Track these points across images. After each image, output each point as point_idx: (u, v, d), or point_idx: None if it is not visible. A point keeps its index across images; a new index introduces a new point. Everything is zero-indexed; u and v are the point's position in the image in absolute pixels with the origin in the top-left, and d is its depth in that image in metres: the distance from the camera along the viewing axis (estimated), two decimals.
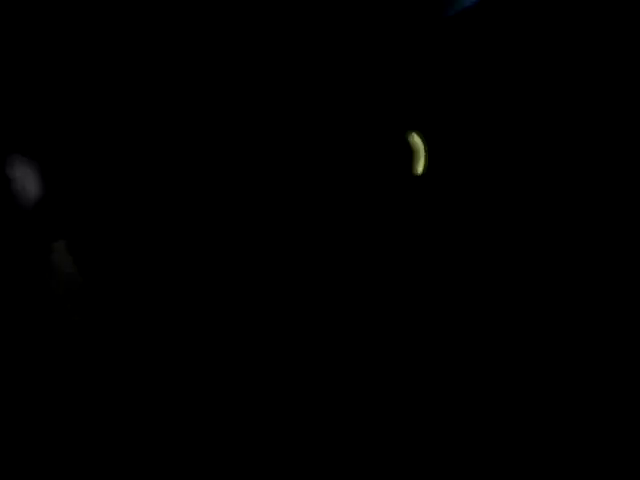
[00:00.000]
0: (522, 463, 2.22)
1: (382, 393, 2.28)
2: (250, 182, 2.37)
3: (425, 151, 2.17)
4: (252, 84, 2.37)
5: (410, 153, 2.21)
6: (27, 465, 2.20)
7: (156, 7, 2.38)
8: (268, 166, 2.36)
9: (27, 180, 2.20)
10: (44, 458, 2.21)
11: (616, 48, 2.32)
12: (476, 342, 2.30)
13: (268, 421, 2.26)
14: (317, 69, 2.32)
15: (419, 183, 2.26)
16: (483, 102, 2.31)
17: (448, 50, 2.30)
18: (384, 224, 2.33)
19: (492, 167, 2.32)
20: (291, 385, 2.29)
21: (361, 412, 2.27)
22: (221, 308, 2.33)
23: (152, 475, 2.21)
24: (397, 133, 2.23)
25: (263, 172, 2.36)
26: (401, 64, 2.30)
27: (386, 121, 2.29)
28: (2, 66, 2.32)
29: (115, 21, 2.38)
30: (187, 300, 2.33)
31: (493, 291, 2.31)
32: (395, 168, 2.25)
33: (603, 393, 2.24)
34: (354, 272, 2.33)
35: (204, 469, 2.23)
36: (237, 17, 2.38)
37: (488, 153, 2.32)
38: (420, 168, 2.11)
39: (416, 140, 2.07)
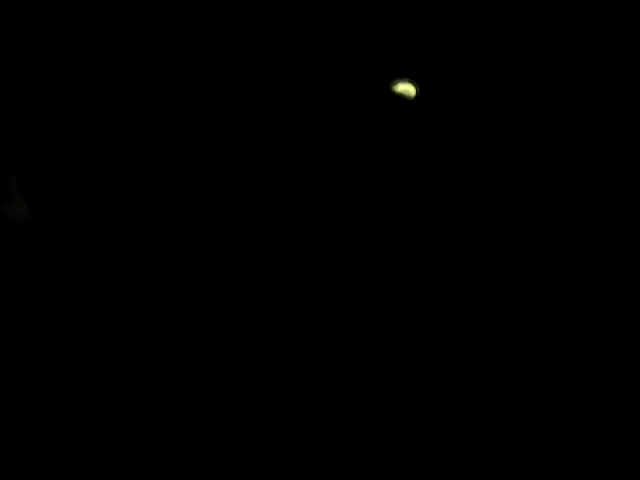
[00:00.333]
0: (522, 463, 2.21)
1: (382, 392, 2.28)
2: (241, 169, 2.36)
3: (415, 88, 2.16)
4: (247, 81, 2.37)
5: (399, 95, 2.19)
6: (24, 461, 2.19)
7: (156, 7, 2.38)
8: (258, 144, 2.35)
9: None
10: (34, 445, 2.20)
11: (616, 48, 2.32)
12: (473, 333, 2.30)
13: (268, 421, 2.25)
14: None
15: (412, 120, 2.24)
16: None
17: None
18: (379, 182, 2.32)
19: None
20: (291, 385, 2.28)
21: (361, 412, 2.26)
22: (215, 302, 2.33)
23: (152, 475, 2.21)
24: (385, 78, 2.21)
25: (253, 153, 2.35)
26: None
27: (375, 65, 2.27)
28: (2, 66, 2.32)
29: (115, 21, 2.38)
30: (183, 297, 2.33)
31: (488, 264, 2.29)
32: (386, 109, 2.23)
33: (603, 393, 2.23)
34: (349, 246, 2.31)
35: (204, 469, 2.22)
36: (237, 17, 2.38)
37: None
38: (410, 93, 2.09)
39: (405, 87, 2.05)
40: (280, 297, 2.32)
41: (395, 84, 2.14)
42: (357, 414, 2.24)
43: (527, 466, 2.19)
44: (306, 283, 2.33)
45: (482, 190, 2.33)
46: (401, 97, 2.18)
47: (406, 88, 2.13)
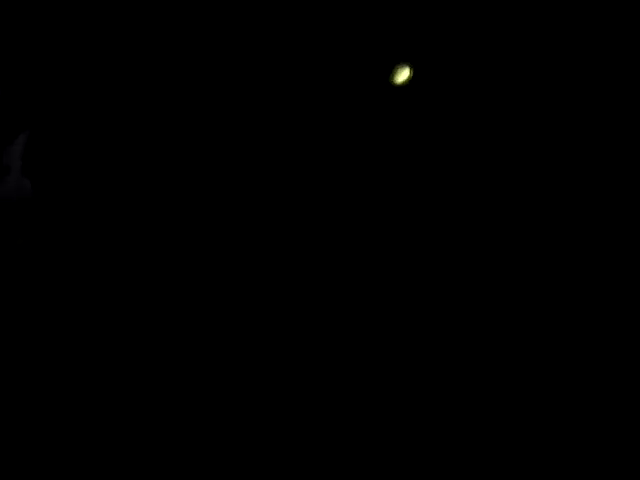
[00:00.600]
0: (522, 463, 2.22)
1: (382, 392, 2.28)
2: (237, 163, 2.36)
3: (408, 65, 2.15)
4: (245, 80, 2.37)
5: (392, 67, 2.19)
6: (24, 460, 2.19)
7: (156, 7, 2.38)
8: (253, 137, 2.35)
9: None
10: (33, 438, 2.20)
11: (615, 48, 2.32)
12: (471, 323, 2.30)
13: (268, 421, 2.26)
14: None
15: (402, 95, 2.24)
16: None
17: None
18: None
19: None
20: (291, 385, 2.29)
21: (361, 411, 2.27)
22: (214, 300, 2.33)
23: (152, 475, 2.21)
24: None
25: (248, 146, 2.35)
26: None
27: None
28: (3, 66, 2.32)
29: (115, 21, 2.38)
30: (183, 297, 2.33)
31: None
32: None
33: (603, 393, 2.23)
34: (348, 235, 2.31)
35: (204, 469, 2.22)
36: (237, 17, 2.38)
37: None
38: (403, 76, 2.08)
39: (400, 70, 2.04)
40: (280, 297, 2.33)
41: (394, 73, 2.13)
42: (357, 414, 2.25)
43: (527, 466, 2.20)
44: (306, 281, 2.33)
45: (482, 185, 2.33)
46: (400, 87, 2.18)
47: (405, 74, 2.12)
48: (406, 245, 2.33)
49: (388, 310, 2.31)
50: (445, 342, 2.28)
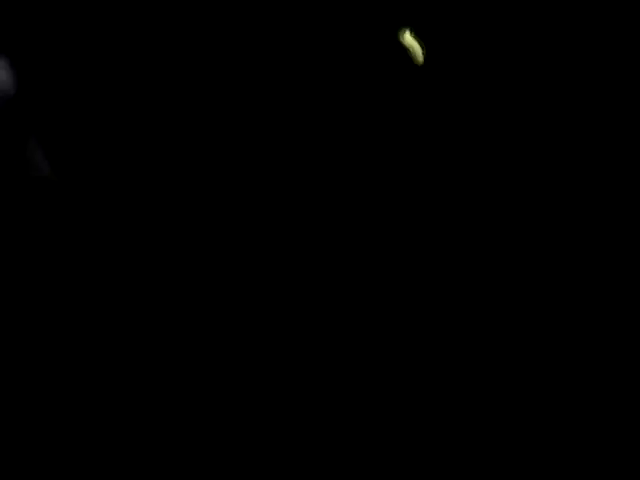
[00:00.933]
0: (522, 463, 2.22)
1: (382, 393, 2.28)
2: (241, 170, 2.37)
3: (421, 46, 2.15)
4: (251, 84, 2.37)
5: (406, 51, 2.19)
6: (24, 462, 2.20)
7: (156, 7, 2.39)
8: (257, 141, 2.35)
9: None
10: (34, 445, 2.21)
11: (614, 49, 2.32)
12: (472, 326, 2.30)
13: (268, 421, 2.26)
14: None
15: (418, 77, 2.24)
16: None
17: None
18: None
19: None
20: (291, 385, 2.29)
21: (361, 412, 2.27)
22: (217, 306, 2.34)
23: (152, 475, 2.21)
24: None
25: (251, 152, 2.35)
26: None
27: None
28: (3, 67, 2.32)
29: (115, 21, 2.39)
30: (186, 301, 2.33)
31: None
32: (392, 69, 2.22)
33: (603, 393, 2.24)
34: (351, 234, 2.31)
35: (204, 469, 2.23)
36: (237, 17, 2.38)
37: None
38: (419, 59, 2.08)
39: (410, 38, 2.04)
40: (280, 297, 2.33)
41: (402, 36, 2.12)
42: (357, 414, 2.25)
43: (527, 466, 2.20)
44: (306, 282, 2.33)
45: (484, 178, 2.33)
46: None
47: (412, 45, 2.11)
48: (407, 243, 2.33)
49: (388, 310, 2.31)
50: (445, 342, 2.28)
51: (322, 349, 2.30)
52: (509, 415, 2.24)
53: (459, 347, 2.29)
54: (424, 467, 2.22)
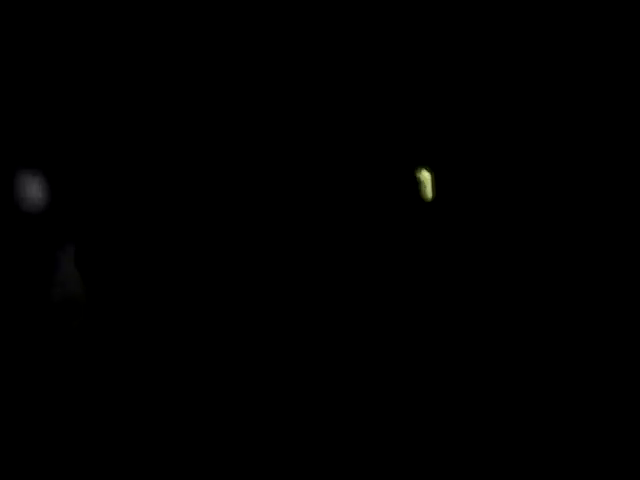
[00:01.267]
0: (522, 463, 2.22)
1: (382, 393, 2.28)
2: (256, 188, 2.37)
3: (432, 180, 2.19)
4: (253, 89, 2.37)
5: (417, 183, 2.22)
6: (27, 465, 2.20)
7: (156, 7, 2.38)
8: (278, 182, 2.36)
9: (30, 188, 2.20)
10: (43, 457, 2.21)
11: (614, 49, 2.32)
12: (476, 343, 2.30)
13: (268, 421, 2.26)
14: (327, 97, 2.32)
15: (427, 210, 2.27)
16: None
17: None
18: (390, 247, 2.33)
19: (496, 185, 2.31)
20: (291, 385, 2.29)
21: (361, 412, 2.27)
22: (224, 313, 2.33)
23: (152, 475, 2.22)
24: (404, 166, 2.25)
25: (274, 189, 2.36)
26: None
27: (392, 152, 2.30)
28: (3, 69, 2.32)
29: (115, 21, 2.38)
30: (190, 306, 2.33)
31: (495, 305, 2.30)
32: (403, 196, 2.26)
33: (603, 393, 2.24)
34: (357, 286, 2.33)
35: (204, 469, 2.23)
36: (237, 18, 2.38)
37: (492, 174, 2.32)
38: (429, 195, 2.14)
39: (424, 173, 2.09)
40: (280, 298, 2.33)
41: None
42: (357, 414, 2.25)
43: (527, 466, 2.20)
44: (306, 284, 2.33)
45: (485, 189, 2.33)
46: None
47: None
48: (409, 243, 2.33)
49: (388, 309, 2.31)
50: (445, 342, 2.29)
51: (322, 349, 2.30)
52: (509, 415, 2.24)
53: (459, 347, 2.29)
54: (424, 467, 2.22)
